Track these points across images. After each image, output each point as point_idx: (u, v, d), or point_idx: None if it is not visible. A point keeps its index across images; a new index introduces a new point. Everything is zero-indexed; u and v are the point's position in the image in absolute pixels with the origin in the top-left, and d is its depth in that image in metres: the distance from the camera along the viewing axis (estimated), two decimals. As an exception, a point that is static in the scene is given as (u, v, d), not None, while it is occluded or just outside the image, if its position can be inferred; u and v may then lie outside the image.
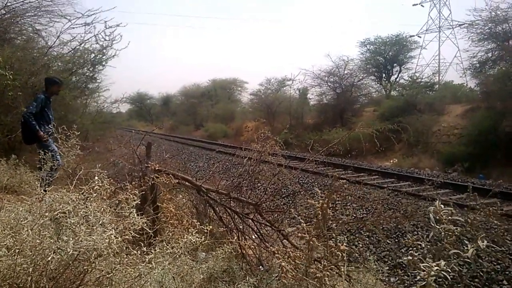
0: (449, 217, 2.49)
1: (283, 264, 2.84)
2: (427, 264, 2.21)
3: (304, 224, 2.87)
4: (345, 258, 2.65)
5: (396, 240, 7.00)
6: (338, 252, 2.68)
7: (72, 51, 10.34)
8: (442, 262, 2.20)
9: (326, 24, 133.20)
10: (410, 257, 2.36)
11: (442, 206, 2.54)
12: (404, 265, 6.27)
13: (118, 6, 10.55)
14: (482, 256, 5.69)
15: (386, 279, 5.78)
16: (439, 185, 9.54)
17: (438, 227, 2.48)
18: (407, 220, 7.05)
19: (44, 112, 6.18)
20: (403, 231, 7.04)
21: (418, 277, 2.19)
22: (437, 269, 2.15)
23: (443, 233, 2.47)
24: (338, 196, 5.27)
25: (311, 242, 2.79)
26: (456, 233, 2.46)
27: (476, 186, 10.05)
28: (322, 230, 2.89)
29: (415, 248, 2.59)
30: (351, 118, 24.32)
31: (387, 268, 6.05)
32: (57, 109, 8.26)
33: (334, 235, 3.14)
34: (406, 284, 5.85)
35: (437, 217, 2.51)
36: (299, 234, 2.90)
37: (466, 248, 2.34)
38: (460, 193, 9.49)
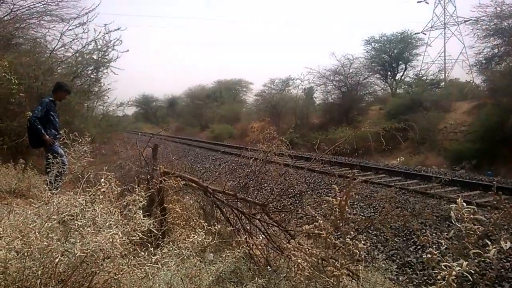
0: (471, 216, 2.43)
1: (299, 261, 2.82)
2: (449, 264, 2.15)
3: (321, 221, 2.85)
4: (362, 257, 2.63)
5: (404, 239, 6.97)
6: (356, 250, 2.65)
7: (75, 54, 10.43)
8: (464, 262, 2.15)
9: (330, 22, 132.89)
10: (429, 255, 2.30)
11: (464, 204, 2.48)
12: (412, 264, 6.24)
13: (119, 9, 10.64)
14: (503, 258, 5.64)
15: (395, 278, 5.75)
16: (447, 183, 9.47)
17: (459, 225, 2.42)
18: (415, 218, 7.01)
19: (49, 116, 6.21)
20: (411, 230, 7.00)
21: (439, 277, 2.13)
22: (459, 270, 2.10)
23: (464, 231, 2.41)
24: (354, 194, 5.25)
25: (328, 240, 2.77)
26: (478, 232, 2.40)
27: (484, 183, 9.99)
28: (340, 228, 2.86)
29: (434, 246, 2.55)
30: (356, 117, 24.25)
31: (395, 267, 6.02)
32: (62, 114, 8.31)
33: (352, 233, 3.10)
34: (415, 283, 5.82)
35: (459, 215, 2.45)
36: (316, 231, 2.88)
37: (487, 248, 2.28)
38: (469, 191, 9.43)
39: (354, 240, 2.78)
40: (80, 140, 4.42)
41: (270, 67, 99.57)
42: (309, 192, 9.30)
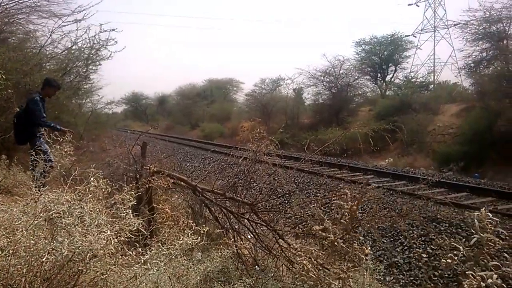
0: (493, 228, 2.43)
1: (304, 262, 2.82)
2: (474, 274, 2.14)
3: (330, 224, 2.86)
4: (368, 261, 2.63)
5: (392, 239, 7.02)
6: (362, 256, 2.67)
7: (66, 50, 10.32)
8: (494, 275, 2.14)
9: (321, 23, 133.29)
10: (449, 260, 2.31)
11: (490, 214, 2.48)
12: (399, 264, 6.28)
13: (112, 6, 10.59)
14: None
15: (382, 278, 5.79)
16: (434, 184, 9.56)
17: (481, 235, 2.41)
18: (402, 219, 7.05)
19: None
20: (398, 230, 7.06)
21: (465, 285, 2.12)
22: (491, 282, 2.09)
23: (484, 241, 2.40)
24: (334, 195, 5.28)
25: (335, 243, 2.78)
26: (499, 245, 2.39)
27: (471, 185, 10.10)
28: (349, 232, 2.87)
29: (423, 239, 2.55)
30: (346, 118, 24.38)
31: (381, 267, 6.06)
32: (50, 109, 8.22)
33: (360, 238, 3.13)
34: (401, 284, 5.87)
35: (481, 225, 2.44)
36: (323, 234, 2.88)
37: (507, 262, 2.29)
38: (455, 192, 9.53)
39: (360, 246, 2.80)
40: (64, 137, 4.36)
41: (261, 67, 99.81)
42: (297, 192, 9.31)
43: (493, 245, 2.36)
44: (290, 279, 3.66)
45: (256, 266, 4.06)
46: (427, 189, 9.68)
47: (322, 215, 3.10)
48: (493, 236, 2.38)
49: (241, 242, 4.34)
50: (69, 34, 10.08)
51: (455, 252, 2.45)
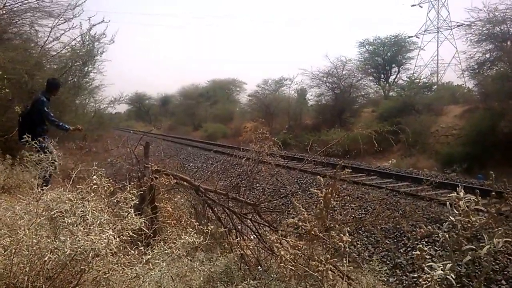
0: (471, 207, 2.26)
1: (282, 253, 2.79)
2: (432, 265, 2.06)
3: (305, 213, 2.83)
4: (347, 249, 2.59)
5: (395, 240, 6.99)
6: (340, 243, 2.62)
7: (64, 49, 10.39)
8: (448, 265, 2.04)
9: (326, 23, 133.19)
10: (418, 252, 2.20)
11: (462, 193, 2.33)
12: (402, 265, 6.26)
13: (114, 7, 10.65)
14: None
15: (385, 279, 5.77)
16: (437, 185, 9.53)
17: (453, 218, 2.27)
18: (405, 220, 7.04)
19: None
20: (401, 231, 7.03)
21: (421, 279, 2.05)
22: (440, 274, 2.01)
23: (459, 225, 2.25)
24: (337, 196, 5.25)
25: (312, 232, 2.74)
26: (476, 225, 2.22)
27: (475, 187, 10.05)
28: (324, 220, 2.83)
29: (426, 240, 2.41)
30: (349, 119, 24.33)
31: (385, 268, 6.04)
32: (53, 109, 8.25)
33: (337, 226, 3.07)
34: (404, 285, 5.85)
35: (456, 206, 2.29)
36: (300, 223, 2.84)
37: (481, 244, 2.14)
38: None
39: (338, 233, 2.75)
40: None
41: (264, 67, 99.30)
42: (300, 193, 9.29)
43: (470, 226, 2.23)
44: (293, 279, 3.65)
45: (259, 267, 4.05)
46: (430, 190, 9.64)
47: (301, 208, 3.04)
48: (467, 218, 2.24)
49: (244, 243, 4.33)
50: (66, 32, 10.16)
51: (425, 240, 2.33)
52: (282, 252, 2.81)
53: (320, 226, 2.86)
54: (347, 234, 2.69)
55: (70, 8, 10.06)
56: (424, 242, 6.67)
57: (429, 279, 2.02)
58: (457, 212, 2.29)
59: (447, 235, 2.30)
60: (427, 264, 2.10)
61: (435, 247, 6.39)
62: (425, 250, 2.22)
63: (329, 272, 2.57)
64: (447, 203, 2.35)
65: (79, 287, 2.23)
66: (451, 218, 2.29)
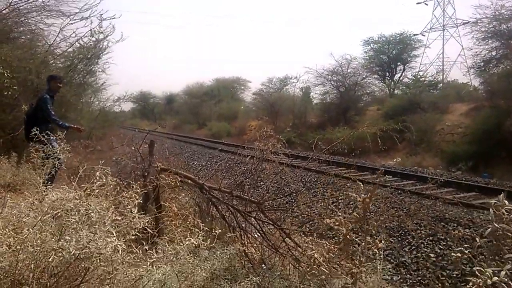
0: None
1: (315, 256, 2.80)
2: (482, 270, 2.01)
3: (342, 217, 2.84)
4: (382, 256, 2.59)
5: (399, 239, 6.98)
6: (374, 249, 2.63)
7: (72, 48, 10.44)
8: (502, 272, 1.99)
9: (329, 22, 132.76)
10: (459, 254, 2.18)
11: (506, 202, 2.27)
12: (407, 264, 6.25)
13: (119, 6, 10.68)
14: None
15: (389, 278, 5.76)
16: (443, 184, 9.49)
17: (496, 225, 2.22)
18: (410, 218, 7.02)
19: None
20: (405, 230, 7.02)
21: (470, 283, 2.00)
22: (496, 279, 1.95)
23: (500, 232, 2.21)
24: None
25: (347, 237, 2.75)
26: None
27: (480, 185, 10.01)
28: (361, 225, 2.84)
29: (466, 245, 2.38)
30: (354, 117, 24.28)
31: (390, 267, 6.03)
32: (58, 107, 8.30)
33: (373, 231, 3.07)
34: (408, 283, 5.84)
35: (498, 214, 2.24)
36: (336, 226, 2.85)
37: None
38: (464, 192, 9.45)
39: (374, 239, 2.76)
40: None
41: (269, 66, 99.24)
42: (304, 191, 9.28)
43: (510, 235, 2.18)
44: (297, 277, 3.65)
45: (263, 265, 4.06)
46: (435, 188, 9.61)
47: (333, 208, 3.06)
48: (510, 226, 2.19)
49: (248, 241, 4.34)
50: (76, 32, 10.19)
51: (465, 245, 2.31)
52: (316, 255, 2.82)
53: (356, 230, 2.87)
54: (382, 241, 2.71)
55: (83, 9, 10.10)
56: (428, 241, 6.66)
57: (480, 284, 1.97)
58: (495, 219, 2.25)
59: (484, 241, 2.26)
60: (476, 268, 2.05)
61: (440, 247, 6.38)
62: (466, 253, 2.19)
63: (363, 275, 2.59)
64: (490, 210, 2.29)
65: (84, 284, 2.25)
66: (495, 225, 2.23)
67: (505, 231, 2.18)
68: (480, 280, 1.97)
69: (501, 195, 2.30)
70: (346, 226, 2.81)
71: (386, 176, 11.72)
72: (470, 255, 2.18)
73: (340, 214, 2.93)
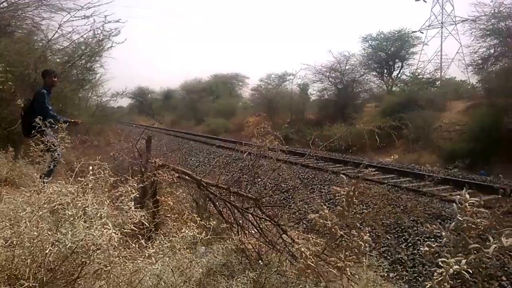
0: (475, 209, 2.35)
1: (302, 249, 2.80)
2: (446, 260, 2.10)
3: (327, 210, 2.83)
4: (367, 249, 2.60)
5: (396, 236, 7.00)
6: (360, 242, 2.64)
7: (71, 44, 10.39)
8: (463, 261, 2.09)
9: (328, 19, 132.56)
10: (427, 248, 2.28)
11: (468, 196, 2.41)
12: (403, 261, 6.27)
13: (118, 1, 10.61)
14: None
15: (385, 274, 5.78)
16: (440, 181, 9.52)
17: (460, 218, 2.34)
18: (406, 215, 7.04)
19: None
20: (402, 227, 7.04)
21: (435, 273, 2.08)
22: (456, 268, 2.05)
23: (465, 225, 2.33)
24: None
25: (333, 230, 2.75)
26: (480, 226, 2.31)
27: (477, 183, 10.04)
28: (346, 219, 2.84)
29: (432, 239, 2.50)
30: (352, 114, 24.28)
31: (386, 263, 6.04)
32: (55, 103, 8.27)
33: (358, 225, 3.07)
34: (405, 280, 5.86)
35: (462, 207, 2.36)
36: (321, 221, 2.85)
37: (488, 243, 2.21)
38: (461, 189, 9.45)
39: (359, 232, 2.76)
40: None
41: (267, 62, 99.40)
42: (301, 188, 9.29)
43: (474, 227, 2.31)
44: (294, 273, 3.66)
45: (260, 261, 4.07)
46: (432, 186, 9.63)
47: (321, 204, 3.06)
48: (473, 218, 2.33)
49: (245, 237, 4.35)
50: (76, 29, 10.15)
51: (434, 239, 2.41)
52: (302, 248, 2.82)
53: (342, 224, 2.86)
54: (368, 234, 2.71)
55: (85, 7, 10.04)
56: (425, 238, 6.69)
57: (443, 273, 2.06)
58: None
59: (449, 234, 2.39)
60: (440, 259, 2.14)
61: (437, 243, 6.41)
62: (433, 247, 2.30)
63: (348, 269, 2.59)
64: (454, 204, 2.44)
65: (80, 279, 2.25)
66: (459, 218, 2.37)
67: (469, 224, 2.32)
68: (443, 270, 2.05)
69: (464, 190, 2.48)
70: (331, 219, 2.81)
71: (369, 169, 11.74)
72: (438, 249, 2.29)
73: (325, 208, 2.92)
